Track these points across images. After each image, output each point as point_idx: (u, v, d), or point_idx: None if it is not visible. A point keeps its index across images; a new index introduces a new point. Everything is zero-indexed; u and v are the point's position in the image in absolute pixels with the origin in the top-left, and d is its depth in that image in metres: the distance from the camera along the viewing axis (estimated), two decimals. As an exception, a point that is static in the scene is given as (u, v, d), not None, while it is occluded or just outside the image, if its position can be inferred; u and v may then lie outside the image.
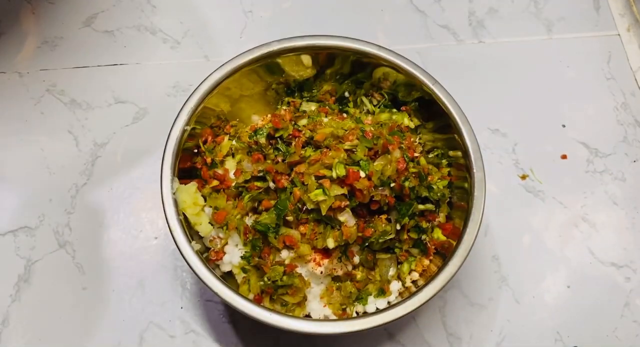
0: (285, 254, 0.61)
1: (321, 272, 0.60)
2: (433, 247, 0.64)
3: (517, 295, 0.73)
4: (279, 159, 0.63)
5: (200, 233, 0.62)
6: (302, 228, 0.60)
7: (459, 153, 0.64)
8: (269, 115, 0.69)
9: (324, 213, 0.57)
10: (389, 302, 0.61)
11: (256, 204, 0.62)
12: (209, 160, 0.66)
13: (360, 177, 0.57)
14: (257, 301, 0.60)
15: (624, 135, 0.82)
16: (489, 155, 0.80)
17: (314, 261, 0.60)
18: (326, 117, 0.67)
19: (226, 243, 0.63)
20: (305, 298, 0.61)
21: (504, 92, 0.85)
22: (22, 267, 0.72)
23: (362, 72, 0.69)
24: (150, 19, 0.88)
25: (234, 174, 0.65)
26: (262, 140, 0.64)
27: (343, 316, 0.61)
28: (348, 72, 0.70)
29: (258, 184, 0.63)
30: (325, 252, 0.61)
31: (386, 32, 0.89)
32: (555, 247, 0.75)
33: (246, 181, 0.63)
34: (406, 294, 0.60)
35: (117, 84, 0.83)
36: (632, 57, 0.87)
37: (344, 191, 0.57)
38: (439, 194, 0.64)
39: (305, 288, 0.60)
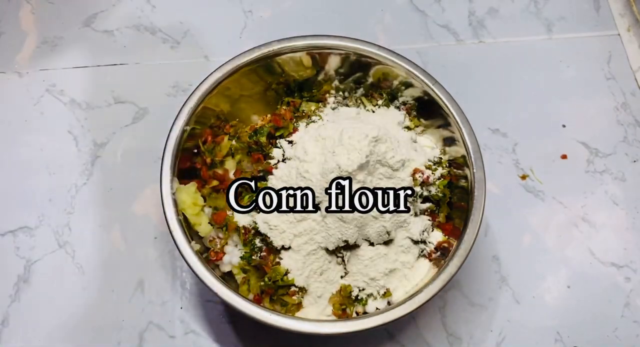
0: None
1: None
2: (433, 247, 0.64)
3: (517, 295, 0.73)
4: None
5: (199, 233, 0.62)
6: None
7: (459, 153, 0.64)
8: (269, 115, 0.69)
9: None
10: (389, 303, 0.61)
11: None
12: (208, 160, 0.66)
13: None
14: (257, 301, 0.60)
15: (624, 135, 0.82)
16: (489, 155, 0.80)
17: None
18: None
19: (226, 243, 0.63)
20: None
21: (504, 92, 0.85)
22: (22, 267, 0.72)
23: (362, 72, 0.69)
24: (150, 19, 0.88)
25: (234, 174, 0.65)
26: (263, 139, 0.65)
27: (343, 316, 0.61)
28: (348, 72, 0.70)
29: (258, 184, 0.63)
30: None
31: (386, 32, 0.89)
32: (555, 247, 0.75)
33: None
34: (406, 295, 0.60)
35: (117, 84, 0.83)
36: (632, 57, 0.87)
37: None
38: (439, 194, 0.64)
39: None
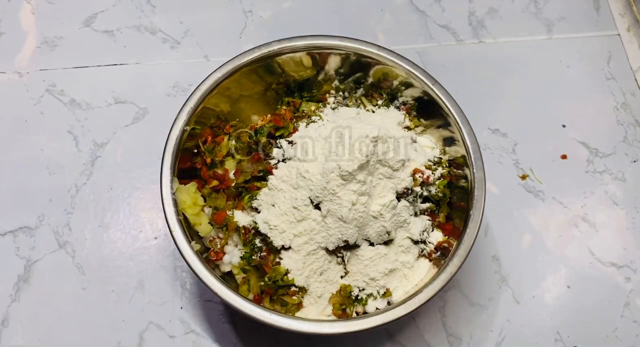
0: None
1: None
2: (433, 247, 0.64)
3: (517, 295, 0.73)
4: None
5: (200, 233, 0.62)
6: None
7: (459, 153, 0.64)
8: (269, 115, 0.69)
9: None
10: (389, 303, 0.61)
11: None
12: (208, 160, 0.66)
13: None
14: (257, 301, 0.60)
15: (624, 135, 0.82)
16: (489, 155, 0.80)
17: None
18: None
19: (226, 243, 0.63)
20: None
21: (504, 92, 0.85)
22: (22, 267, 0.72)
23: (362, 72, 0.69)
24: (150, 19, 0.88)
25: (234, 174, 0.65)
26: (263, 139, 0.65)
27: (343, 316, 0.61)
28: (348, 72, 0.70)
29: (258, 184, 0.63)
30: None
31: (386, 32, 0.89)
32: (555, 247, 0.75)
33: (246, 181, 0.63)
34: (406, 295, 0.60)
35: (117, 84, 0.83)
36: (632, 57, 0.87)
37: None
38: (439, 194, 0.64)
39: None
